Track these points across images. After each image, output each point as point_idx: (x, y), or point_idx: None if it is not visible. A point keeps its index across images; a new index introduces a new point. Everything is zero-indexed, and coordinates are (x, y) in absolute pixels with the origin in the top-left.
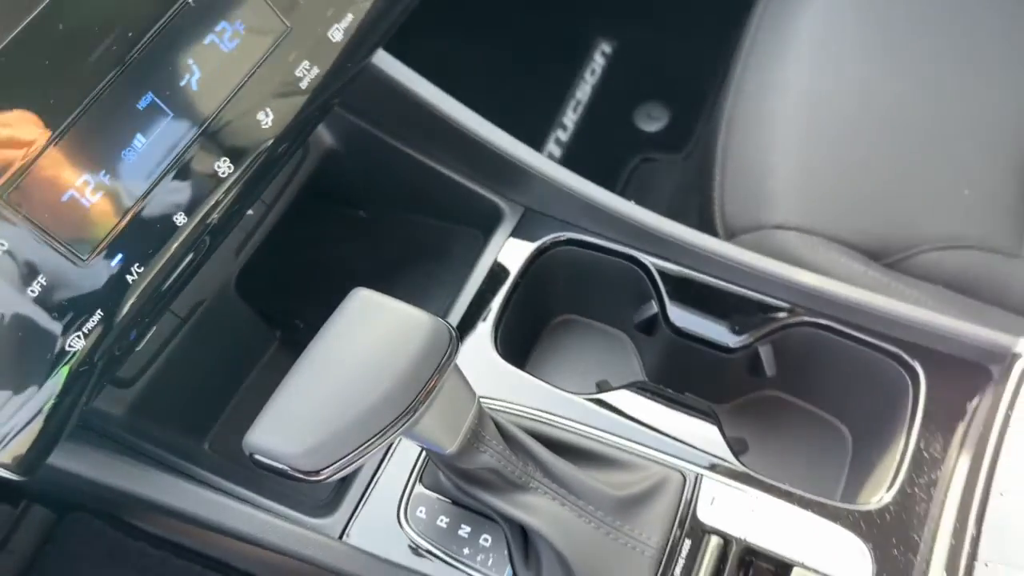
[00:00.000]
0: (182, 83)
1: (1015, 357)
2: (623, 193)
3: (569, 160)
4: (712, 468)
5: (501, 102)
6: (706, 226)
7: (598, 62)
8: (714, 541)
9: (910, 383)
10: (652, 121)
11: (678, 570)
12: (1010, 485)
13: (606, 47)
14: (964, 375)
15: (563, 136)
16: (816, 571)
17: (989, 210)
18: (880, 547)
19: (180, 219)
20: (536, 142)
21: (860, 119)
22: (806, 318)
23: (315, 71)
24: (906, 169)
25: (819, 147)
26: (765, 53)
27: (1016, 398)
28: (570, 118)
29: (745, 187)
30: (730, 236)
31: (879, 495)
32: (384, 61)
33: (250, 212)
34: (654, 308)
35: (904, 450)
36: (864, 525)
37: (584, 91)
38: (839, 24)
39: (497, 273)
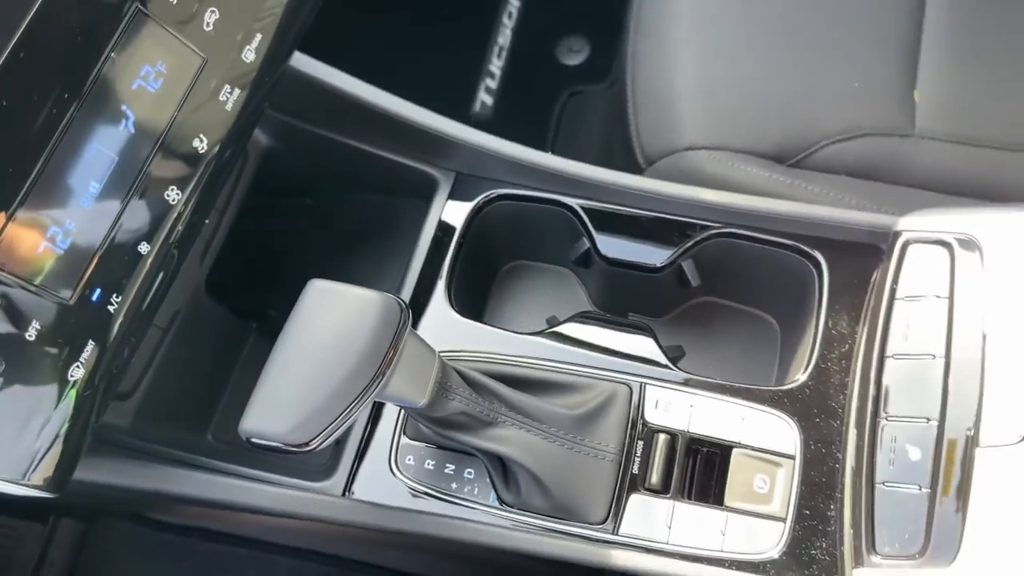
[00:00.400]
0: (120, 128)
1: (896, 235)
2: (557, 129)
3: (501, 106)
4: (653, 376)
5: (427, 63)
6: (629, 155)
7: (514, 4)
8: (662, 438)
9: (815, 271)
10: (574, 54)
11: (635, 468)
12: (898, 349)
13: None
14: (860, 257)
15: (492, 84)
16: (751, 447)
17: (879, 97)
18: (804, 419)
19: (144, 248)
20: (467, 94)
21: (750, 34)
22: (716, 230)
23: (236, 92)
24: (798, 73)
25: (715, 68)
26: None
27: (899, 271)
28: (496, 65)
29: (655, 116)
30: (649, 163)
31: (800, 374)
32: (299, 60)
33: (207, 221)
34: (586, 244)
35: (816, 331)
36: (788, 402)
37: (505, 36)
38: None
39: (441, 237)
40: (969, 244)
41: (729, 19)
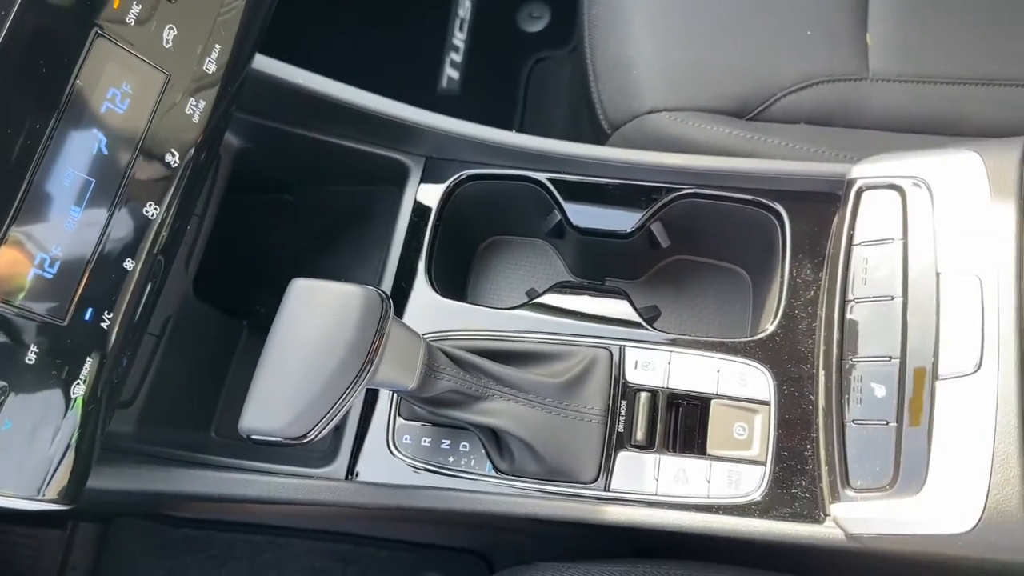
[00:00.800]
0: (94, 152)
1: (851, 183)
2: (525, 98)
3: (469, 79)
4: (631, 338)
5: (390, 45)
6: (594, 122)
7: None
8: (644, 396)
9: (777, 223)
10: (535, 21)
11: (621, 427)
12: (859, 293)
13: None
14: (818, 206)
15: (457, 58)
16: (728, 397)
17: (832, 44)
18: (775, 365)
19: (129, 263)
20: (433, 71)
21: None
22: (680, 192)
23: (202, 103)
24: (751, 28)
25: (670, 30)
26: None
27: (856, 218)
28: (459, 38)
29: (615, 83)
30: (614, 128)
31: (770, 323)
32: (261, 62)
33: (187, 228)
34: (557, 216)
35: (782, 281)
36: (760, 351)
37: (465, 8)
38: None
39: (417, 221)
40: (919, 186)
41: None
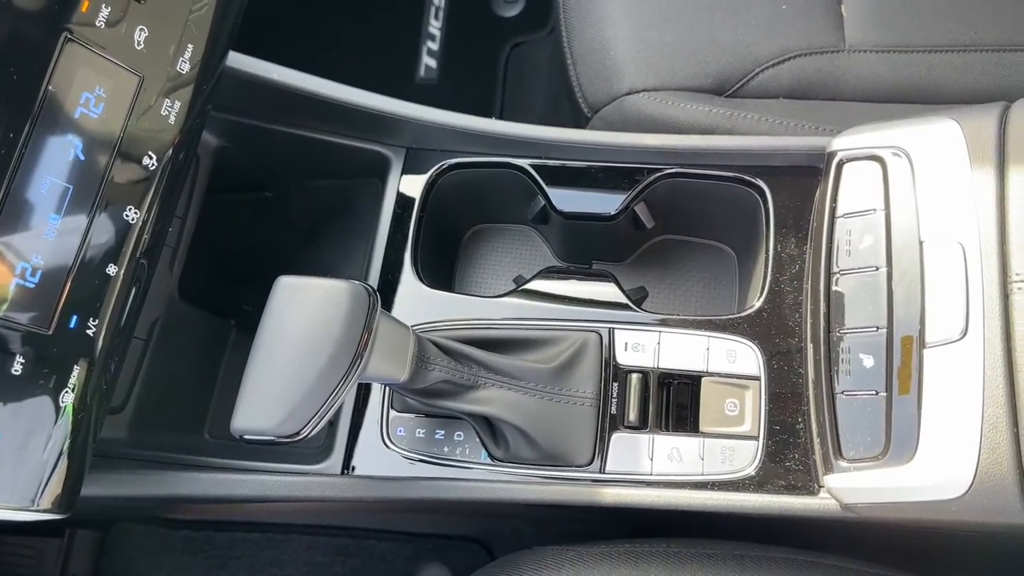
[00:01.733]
0: (70, 158)
1: (831, 155)
2: (504, 84)
3: (446, 68)
4: (620, 320)
5: (365, 37)
6: (574, 106)
7: None
8: (635, 377)
9: (760, 199)
10: (510, 6)
11: (613, 408)
12: (843, 265)
13: None
14: (800, 180)
15: (434, 46)
16: (718, 374)
17: (807, 17)
18: (764, 340)
19: (112, 269)
20: (410, 60)
21: None
22: (662, 172)
23: (177, 104)
24: (726, 5)
25: (645, 10)
26: None
27: (837, 190)
28: (435, 27)
29: (593, 66)
30: (594, 111)
31: (757, 299)
32: (235, 59)
33: (169, 229)
34: (541, 201)
35: (767, 256)
36: (748, 327)
37: None
38: None
39: (401, 213)
40: (899, 156)
41: None
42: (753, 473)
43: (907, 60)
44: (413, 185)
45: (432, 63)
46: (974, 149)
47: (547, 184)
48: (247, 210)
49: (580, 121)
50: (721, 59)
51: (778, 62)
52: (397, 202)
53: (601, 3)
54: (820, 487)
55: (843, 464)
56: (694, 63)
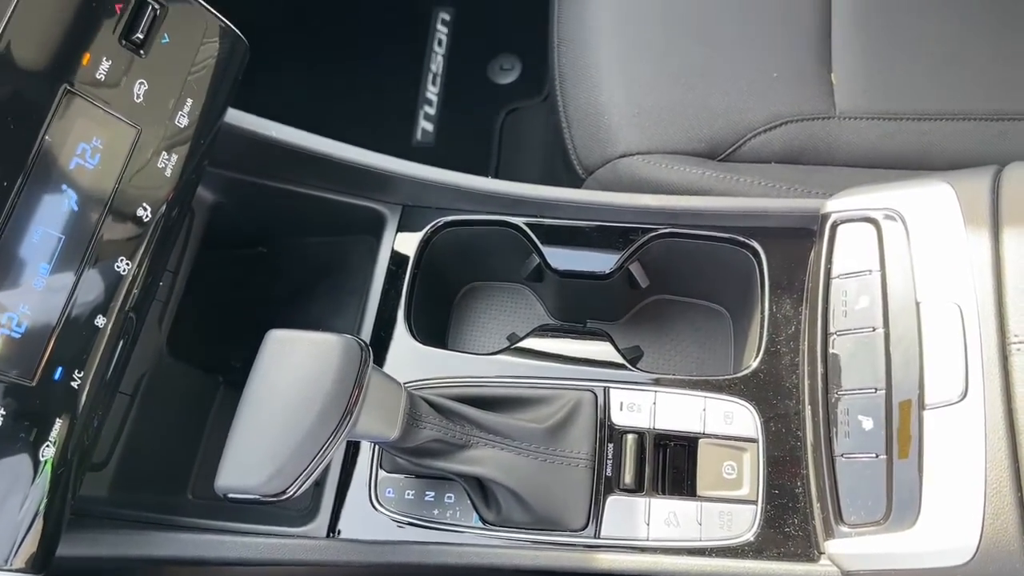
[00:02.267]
0: (64, 208)
1: (826, 217)
2: (500, 148)
3: (443, 132)
4: (615, 379)
5: (364, 100)
6: (569, 167)
7: (442, 31)
8: (631, 438)
9: (754, 260)
10: (506, 73)
11: (609, 470)
12: (840, 326)
13: (445, 15)
14: (795, 241)
15: (431, 111)
16: (715, 435)
17: (798, 83)
18: (761, 402)
19: (100, 320)
20: (407, 124)
21: (668, 36)
22: (657, 232)
23: (174, 157)
24: (718, 71)
25: (639, 76)
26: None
27: (832, 251)
28: (432, 92)
29: (587, 129)
30: (589, 173)
31: (753, 360)
32: (234, 116)
33: (160, 284)
34: (536, 260)
35: (763, 317)
36: (745, 388)
37: (437, 63)
38: None
39: (395, 270)
40: (894, 218)
41: (647, 26)
42: (752, 539)
43: (897, 127)
44: (408, 242)
45: (429, 127)
46: (968, 211)
47: (542, 243)
48: (240, 266)
49: (575, 182)
50: (714, 124)
51: (770, 128)
52: (392, 259)
53: (595, 68)
54: (820, 553)
55: (844, 529)
56: (687, 128)
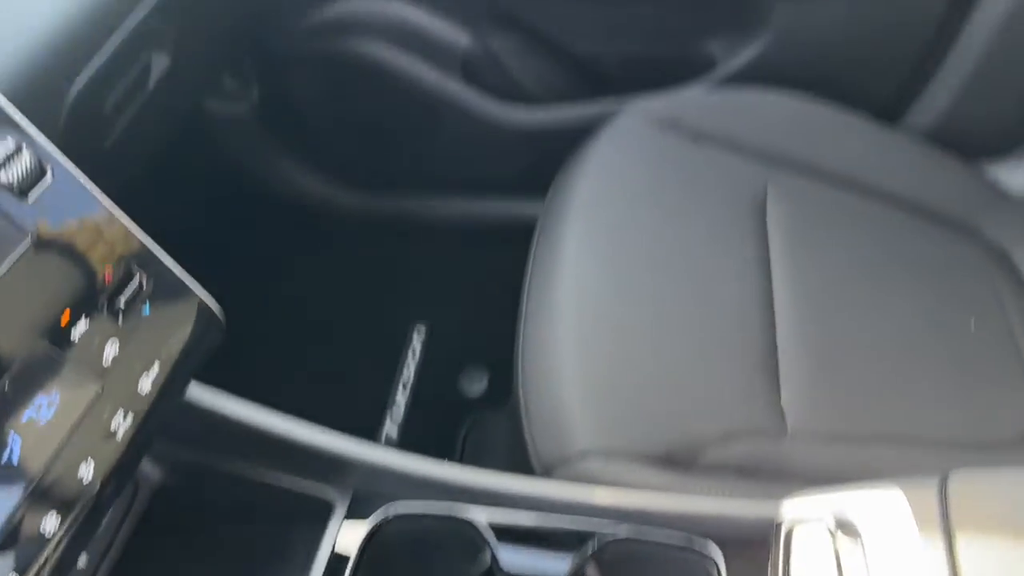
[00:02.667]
0: (3, 461)
1: (779, 525)
2: (462, 451)
3: (406, 436)
4: None
5: (329, 405)
6: (525, 467)
7: (416, 343)
8: None
9: (716, 566)
10: (475, 383)
11: None
12: None
13: (421, 328)
14: (754, 550)
15: (398, 414)
16: None
17: (750, 401)
18: None
19: None
20: (373, 424)
21: (627, 348)
22: (613, 537)
23: (128, 421)
24: (675, 384)
25: (598, 382)
26: (536, 312)
27: (788, 560)
28: (401, 398)
29: (546, 427)
30: (546, 473)
31: None
32: (195, 391)
33: (83, 567)
34: (487, 560)
35: None
36: None
37: (408, 372)
38: (592, 276)
39: (335, 565)
40: (847, 528)
41: (606, 336)
42: None
43: (853, 450)
44: (353, 533)
45: (393, 431)
46: (919, 518)
47: (496, 539)
48: (172, 555)
49: None
50: (671, 433)
51: (725, 440)
52: (333, 553)
53: (558, 371)
54: None
55: None
56: (645, 434)
